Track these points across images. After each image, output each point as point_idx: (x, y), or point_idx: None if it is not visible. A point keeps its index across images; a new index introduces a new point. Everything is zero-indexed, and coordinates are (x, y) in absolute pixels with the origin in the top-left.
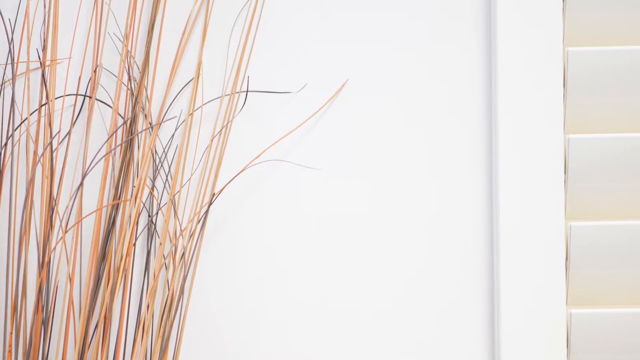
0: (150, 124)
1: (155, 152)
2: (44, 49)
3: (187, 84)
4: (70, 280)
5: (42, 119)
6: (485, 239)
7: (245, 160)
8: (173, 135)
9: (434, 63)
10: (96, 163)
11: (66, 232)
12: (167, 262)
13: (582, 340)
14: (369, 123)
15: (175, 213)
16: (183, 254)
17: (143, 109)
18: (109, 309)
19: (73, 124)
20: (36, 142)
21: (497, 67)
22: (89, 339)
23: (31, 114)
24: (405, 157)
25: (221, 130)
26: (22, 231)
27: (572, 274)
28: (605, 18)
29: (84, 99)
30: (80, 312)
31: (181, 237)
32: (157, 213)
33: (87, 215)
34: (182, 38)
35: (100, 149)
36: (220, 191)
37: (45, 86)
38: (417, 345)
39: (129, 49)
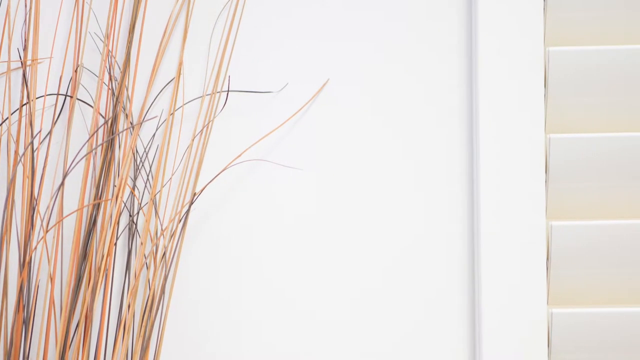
0: (131, 123)
1: (136, 151)
2: (25, 48)
3: (168, 84)
4: (51, 279)
5: (23, 119)
6: (466, 238)
7: (226, 159)
8: (154, 135)
9: (415, 62)
10: (77, 163)
11: (47, 231)
12: (148, 261)
13: (563, 339)
14: (350, 122)
15: (157, 213)
16: (164, 253)
17: (124, 109)
18: (90, 309)
19: (54, 123)
20: (17, 141)
21: (478, 67)
22: (70, 339)
23: (12, 114)
24: (387, 157)
25: (202, 130)
26: (3, 231)
27: (553, 274)
28: (586, 18)
29: (65, 98)
30: (61, 312)
31: (162, 236)
32: (138, 213)
33: (68, 215)
34: (163, 38)
35: (81, 148)
36: (201, 191)
37: (26, 86)
38: (397, 344)
39: (110, 48)
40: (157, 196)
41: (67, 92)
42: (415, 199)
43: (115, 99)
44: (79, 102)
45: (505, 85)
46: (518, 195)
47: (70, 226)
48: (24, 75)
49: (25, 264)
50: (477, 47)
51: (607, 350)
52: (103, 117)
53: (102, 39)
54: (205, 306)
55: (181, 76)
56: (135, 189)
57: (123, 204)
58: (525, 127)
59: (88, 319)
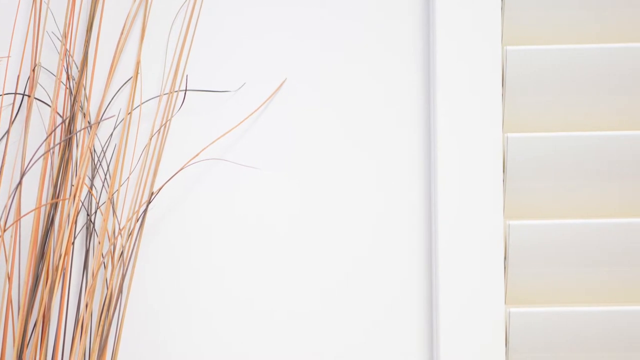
0: (89, 122)
1: (94, 151)
2: None
3: (125, 83)
4: (9, 279)
5: None
6: (424, 238)
7: (184, 159)
8: (112, 134)
9: (373, 62)
10: (35, 162)
11: (5, 231)
12: (105, 260)
13: (521, 339)
14: (308, 122)
15: (114, 212)
16: (122, 252)
17: (82, 108)
18: (48, 308)
19: (11, 122)
20: None
21: (436, 66)
22: (28, 338)
23: None
24: (344, 156)
25: (160, 129)
26: None
27: (510, 273)
28: (544, 17)
29: (23, 97)
30: (19, 311)
31: (120, 235)
32: (95, 212)
33: (26, 214)
34: (120, 37)
35: (38, 147)
36: (159, 190)
37: None
38: (355, 345)
39: (68, 48)
40: (115, 195)
41: (24, 91)
42: (373, 199)
43: (73, 98)
44: (37, 101)
45: (463, 84)
46: (476, 195)
47: (27, 225)
48: None
49: None
50: (434, 47)
51: (564, 350)
52: (61, 116)
53: (60, 38)
54: (163, 305)
55: (139, 75)
56: (93, 188)
57: (81, 203)
58: (483, 126)
59: (46, 318)
